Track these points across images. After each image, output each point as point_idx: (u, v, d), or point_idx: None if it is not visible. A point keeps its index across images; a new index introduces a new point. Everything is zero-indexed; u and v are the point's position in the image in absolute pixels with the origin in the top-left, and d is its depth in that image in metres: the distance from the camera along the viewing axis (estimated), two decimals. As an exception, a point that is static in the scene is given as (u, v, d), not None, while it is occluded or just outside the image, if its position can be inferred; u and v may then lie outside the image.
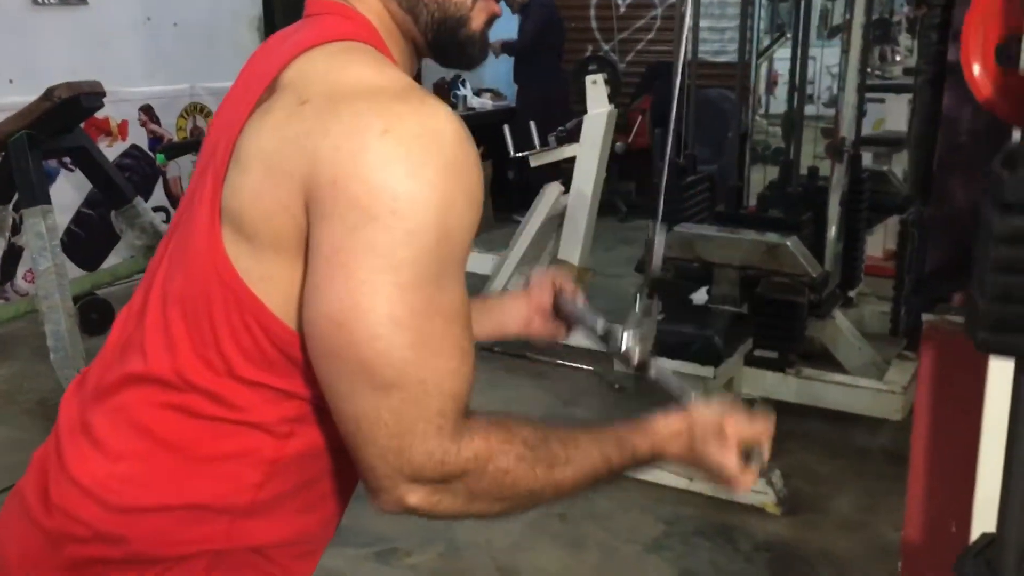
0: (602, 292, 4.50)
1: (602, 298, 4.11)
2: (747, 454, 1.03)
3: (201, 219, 0.91)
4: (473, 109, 6.68)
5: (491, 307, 1.37)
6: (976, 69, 1.21)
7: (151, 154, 5.17)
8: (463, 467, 0.88)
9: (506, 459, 0.91)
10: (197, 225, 0.92)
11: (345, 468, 0.97)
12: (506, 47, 6.82)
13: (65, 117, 3.63)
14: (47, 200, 3.53)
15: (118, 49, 5.08)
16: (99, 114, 5.04)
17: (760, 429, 1.05)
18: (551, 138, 4.26)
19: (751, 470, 1.04)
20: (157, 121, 5.32)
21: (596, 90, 4.08)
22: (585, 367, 4.08)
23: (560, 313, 1.33)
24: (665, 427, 1.03)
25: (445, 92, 6.79)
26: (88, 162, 3.86)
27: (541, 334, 1.37)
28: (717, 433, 1.03)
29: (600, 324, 1.23)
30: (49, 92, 3.54)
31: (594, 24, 7.66)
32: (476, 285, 4.61)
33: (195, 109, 5.52)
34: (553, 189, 4.18)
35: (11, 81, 4.54)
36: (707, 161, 4.40)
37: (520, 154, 4.25)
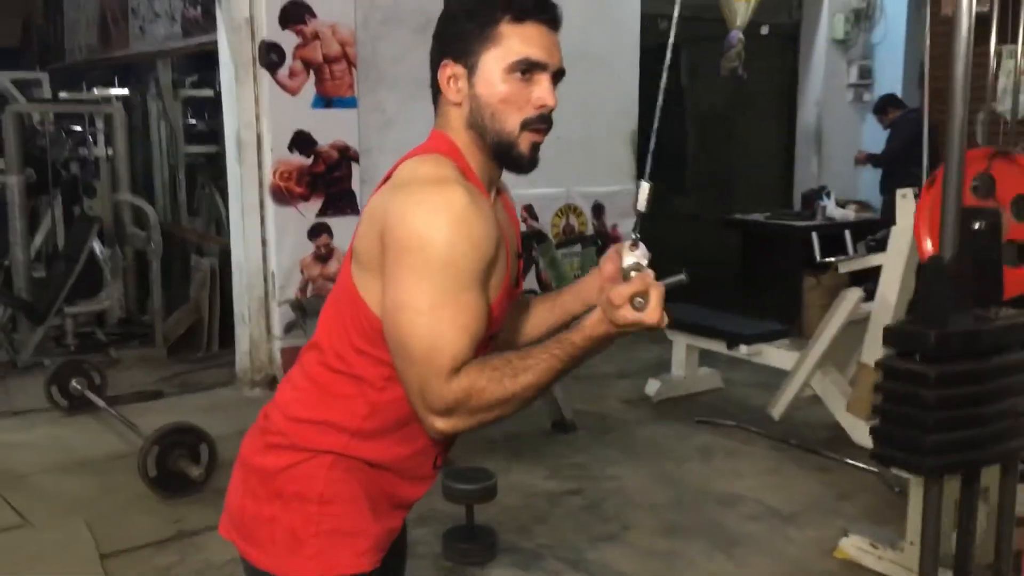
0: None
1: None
2: (635, 305, 1.40)
3: (347, 255, 1.58)
4: (832, 219, 6.90)
5: (573, 288, 1.79)
6: None
7: (535, 245, 6.12)
8: (458, 398, 1.42)
9: (482, 381, 1.42)
10: (345, 259, 1.59)
11: None
12: (871, 159, 6.99)
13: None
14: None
15: (510, 158, 6.15)
16: (489, 210, 6.16)
17: (637, 286, 1.39)
18: (860, 246, 4.47)
19: (650, 309, 1.39)
20: (536, 218, 6.30)
21: (905, 204, 4.25)
22: (870, 468, 4.19)
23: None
24: (588, 319, 1.46)
25: (811, 200, 7.09)
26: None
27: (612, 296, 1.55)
28: (612, 305, 1.41)
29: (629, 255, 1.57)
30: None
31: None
32: (775, 381, 4.89)
33: (569, 209, 6.44)
34: (853, 294, 4.39)
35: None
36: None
37: (828, 259, 4.51)
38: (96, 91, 7.38)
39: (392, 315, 1.44)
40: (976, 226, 1.55)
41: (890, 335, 1.46)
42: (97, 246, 6.23)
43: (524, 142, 1.53)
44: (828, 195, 7.08)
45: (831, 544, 3.53)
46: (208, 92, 7.28)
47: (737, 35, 6.75)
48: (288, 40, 5.19)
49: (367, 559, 1.57)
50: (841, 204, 7.14)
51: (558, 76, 1.54)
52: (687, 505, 3.96)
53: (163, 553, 3.43)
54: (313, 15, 5.23)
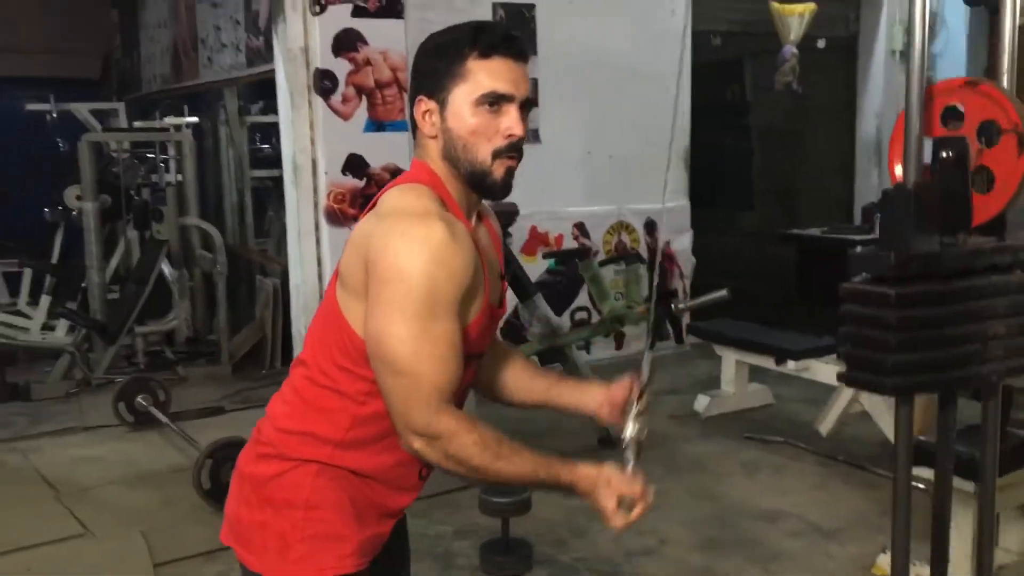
0: None
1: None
2: (622, 504, 1.56)
3: (333, 277, 1.68)
4: (892, 233, 6.79)
5: (579, 385, 1.92)
6: None
7: (577, 262, 6.18)
8: (439, 432, 1.52)
9: (468, 439, 1.53)
10: (331, 280, 1.69)
11: None
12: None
13: (488, 229, 4.72)
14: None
15: (562, 176, 6.24)
16: (540, 228, 6.25)
17: (637, 490, 1.57)
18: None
19: (622, 515, 1.57)
20: (587, 236, 6.37)
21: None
22: (918, 485, 4.11)
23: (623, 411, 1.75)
24: (583, 470, 1.59)
25: (871, 213, 7.00)
26: (506, 263, 4.91)
27: (605, 420, 1.83)
28: (607, 485, 1.57)
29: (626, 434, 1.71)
30: (477, 210, 4.66)
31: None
32: (826, 397, 4.85)
33: (620, 227, 6.49)
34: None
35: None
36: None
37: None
38: (168, 120, 7.70)
39: (375, 341, 1.54)
40: (943, 155, 1.59)
41: (854, 259, 1.53)
42: (166, 268, 6.50)
43: (497, 170, 1.61)
44: (888, 208, 6.97)
45: (871, 560, 3.50)
46: (273, 118, 7.50)
47: (791, 50, 6.72)
48: (341, 67, 5.36)
49: (351, 561, 1.66)
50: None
51: (527, 106, 1.61)
52: (727, 520, 3.96)
53: (212, 563, 3.58)
54: (365, 42, 5.39)
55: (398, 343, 1.51)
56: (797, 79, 6.78)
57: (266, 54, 6.43)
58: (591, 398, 1.85)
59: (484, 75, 1.57)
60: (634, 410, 1.70)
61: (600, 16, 6.27)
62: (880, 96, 7.70)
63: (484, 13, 5.82)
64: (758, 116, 8.43)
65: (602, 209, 6.42)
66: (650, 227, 6.62)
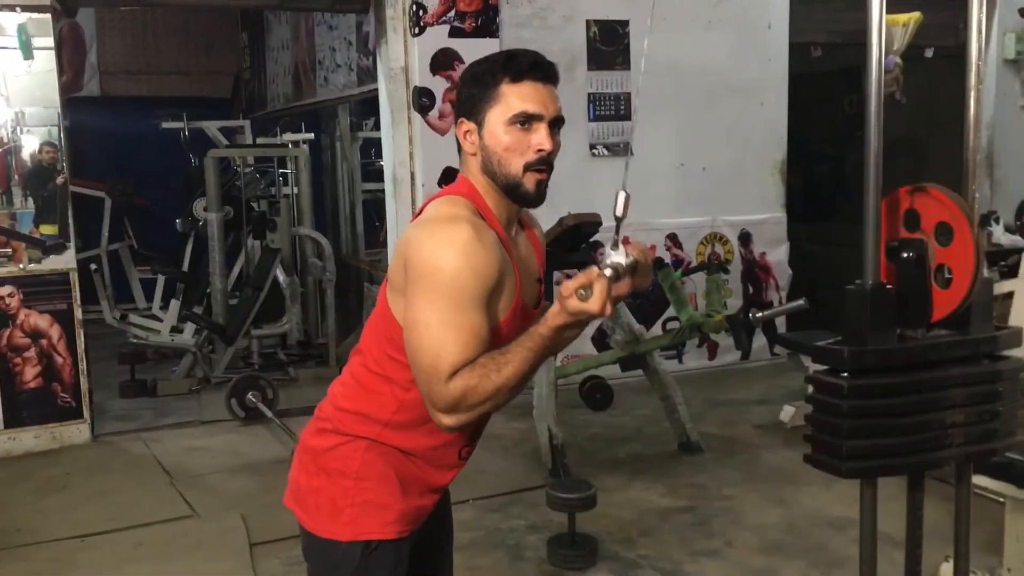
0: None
1: None
2: (579, 295, 1.61)
3: (384, 281, 1.90)
4: (999, 245, 6.61)
5: None
6: None
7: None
8: (456, 397, 1.70)
9: (473, 380, 1.69)
10: (382, 284, 1.91)
11: None
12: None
13: (572, 239, 4.89)
14: (551, 298, 4.82)
15: (655, 188, 6.34)
16: (633, 239, 6.35)
17: (582, 280, 1.61)
18: (994, 272, 4.38)
19: (583, 301, 1.60)
20: (680, 247, 6.46)
21: (1037, 227, 4.14)
22: (998, 499, 4.06)
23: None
24: (548, 311, 1.69)
25: (981, 225, 6.83)
26: (590, 273, 5.07)
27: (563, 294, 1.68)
28: (563, 296, 1.63)
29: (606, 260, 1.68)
30: (561, 220, 4.84)
31: None
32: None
33: (714, 238, 6.55)
34: (982, 320, 4.29)
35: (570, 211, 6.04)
36: None
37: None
38: (286, 136, 8.19)
39: (408, 328, 1.75)
40: (904, 255, 1.70)
41: (817, 352, 1.66)
42: (280, 275, 6.93)
43: (528, 181, 1.81)
44: (997, 220, 6.79)
45: (935, 570, 3.49)
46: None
47: (894, 59, 6.65)
48: (438, 85, 5.65)
49: (393, 528, 1.87)
50: (1011, 230, 6.83)
51: (557, 123, 1.80)
52: (796, 527, 4.01)
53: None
54: (461, 61, 5.66)
55: (425, 328, 1.71)
56: (901, 89, 6.70)
57: (375, 73, 6.80)
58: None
59: (515, 98, 1.77)
60: (620, 249, 1.70)
61: (695, 31, 6.36)
62: (991, 106, 7.50)
63: (577, 30, 6.01)
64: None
65: (695, 220, 6.50)
66: (745, 238, 6.66)
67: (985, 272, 1.73)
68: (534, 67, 1.80)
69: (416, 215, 1.87)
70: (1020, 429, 1.82)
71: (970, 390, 1.72)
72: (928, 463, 1.71)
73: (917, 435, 1.66)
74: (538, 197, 1.83)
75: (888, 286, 1.68)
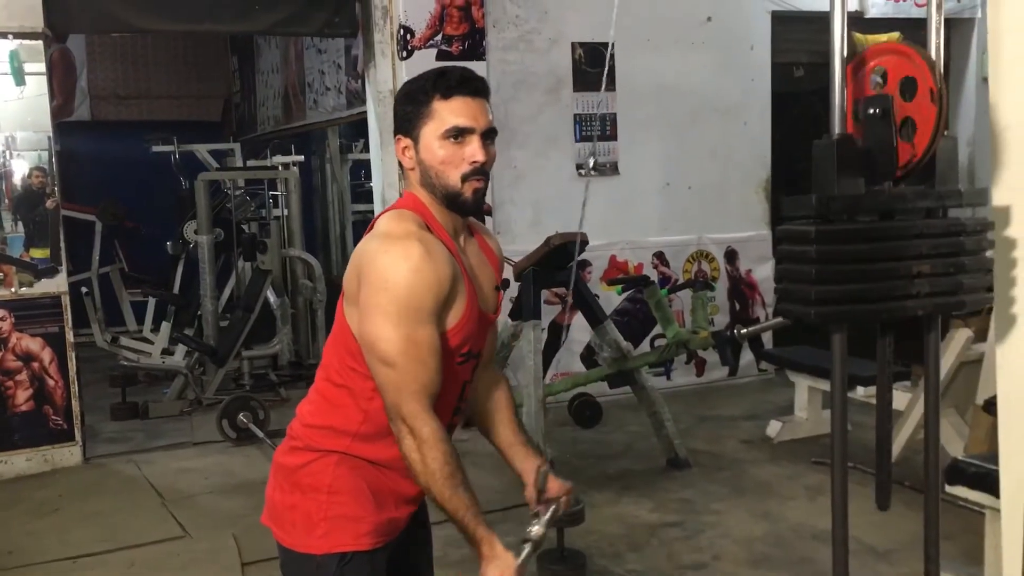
0: None
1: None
2: None
3: (341, 295, 1.96)
4: (981, 261, 6.72)
5: (527, 457, 2.10)
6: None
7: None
8: (422, 434, 1.78)
9: (439, 451, 1.78)
10: (340, 297, 1.97)
11: None
12: None
13: (559, 258, 4.95)
14: (539, 316, 4.89)
15: (641, 207, 6.43)
16: (620, 257, 6.45)
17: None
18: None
19: None
20: (667, 264, 6.53)
21: None
22: (981, 511, 4.12)
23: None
24: (494, 543, 1.81)
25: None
26: (576, 291, 5.13)
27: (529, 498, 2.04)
28: (498, 567, 1.80)
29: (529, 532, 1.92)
30: (548, 240, 4.91)
31: None
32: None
33: (700, 255, 6.63)
34: (962, 334, 4.36)
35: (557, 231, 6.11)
36: None
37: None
38: (276, 158, 8.26)
39: (368, 341, 1.82)
40: (871, 111, 1.76)
41: (786, 202, 1.75)
42: (271, 296, 6.98)
43: (467, 191, 1.88)
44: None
45: (919, 580, 3.55)
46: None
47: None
48: (426, 107, 5.72)
49: (367, 540, 1.92)
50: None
51: (489, 135, 1.88)
52: (783, 540, 4.06)
53: (293, 563, 3.90)
54: (449, 84, 5.74)
55: (387, 343, 1.78)
56: (882, 108, 6.81)
57: (363, 96, 6.87)
58: (528, 475, 2.06)
59: (446, 113, 1.84)
60: (545, 517, 1.93)
61: (679, 52, 6.46)
62: (971, 124, 7.62)
63: (563, 52, 6.10)
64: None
65: (681, 239, 6.58)
66: (731, 256, 6.74)
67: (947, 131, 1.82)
68: (463, 83, 1.85)
69: (368, 229, 1.92)
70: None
71: (936, 240, 1.79)
72: (895, 311, 1.77)
73: (884, 281, 1.73)
74: (475, 204, 1.89)
75: (855, 139, 1.76)
